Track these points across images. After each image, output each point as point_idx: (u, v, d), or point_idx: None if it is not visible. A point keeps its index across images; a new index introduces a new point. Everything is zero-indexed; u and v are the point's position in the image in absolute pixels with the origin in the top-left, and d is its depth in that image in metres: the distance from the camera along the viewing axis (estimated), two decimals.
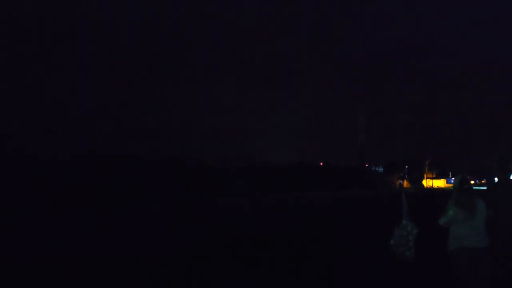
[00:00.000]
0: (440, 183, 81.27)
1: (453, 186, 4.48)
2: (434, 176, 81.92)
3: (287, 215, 18.20)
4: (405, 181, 78.97)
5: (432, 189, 64.63)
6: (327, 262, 7.78)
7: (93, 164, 30.47)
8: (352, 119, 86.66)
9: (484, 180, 79.67)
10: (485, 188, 5.15)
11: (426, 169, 79.74)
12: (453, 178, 4.47)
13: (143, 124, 45.61)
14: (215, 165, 41.63)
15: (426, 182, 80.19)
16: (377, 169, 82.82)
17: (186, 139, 48.67)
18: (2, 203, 21.33)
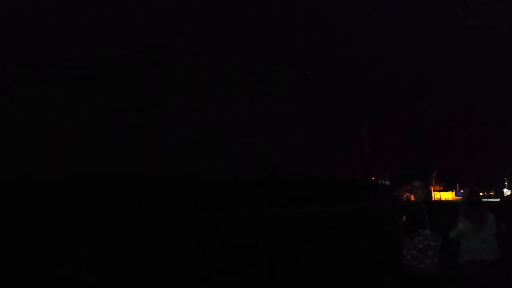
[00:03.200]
0: (447, 195, 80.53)
1: (462, 199, 4.44)
2: (441, 188, 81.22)
3: (293, 229, 18.12)
4: (411, 195, 78.08)
5: (439, 202, 63.98)
6: (332, 277, 7.78)
7: (99, 182, 30.65)
8: (357, 132, 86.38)
9: (493, 192, 78.88)
10: (498, 200, 5.11)
11: (433, 182, 79.09)
12: (462, 191, 4.42)
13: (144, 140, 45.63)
14: (220, 177, 41.59)
15: (434, 195, 79.45)
16: (383, 182, 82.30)
17: (193, 153, 48.73)
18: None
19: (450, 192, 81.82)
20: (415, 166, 79.82)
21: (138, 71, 53.06)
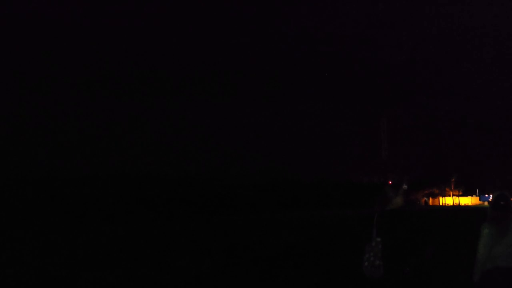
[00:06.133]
0: (467, 200, 78.87)
1: (489, 203, 4.24)
2: (460, 193, 79.67)
3: (308, 232, 17.97)
4: (430, 198, 76.99)
5: (457, 207, 62.75)
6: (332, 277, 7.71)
7: (109, 183, 30.73)
8: (375, 134, 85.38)
9: None
10: None
11: (452, 186, 77.69)
12: (486, 195, 4.27)
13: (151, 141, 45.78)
14: (232, 181, 41.40)
15: (453, 199, 78.07)
16: (401, 185, 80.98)
17: (201, 155, 48.67)
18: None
19: (469, 197, 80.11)
20: (434, 170, 78.50)
21: (141, 70, 53.20)
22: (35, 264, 10.07)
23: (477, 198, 77.58)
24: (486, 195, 69.65)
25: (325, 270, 8.75)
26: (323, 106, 78.96)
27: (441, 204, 76.76)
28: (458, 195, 79.28)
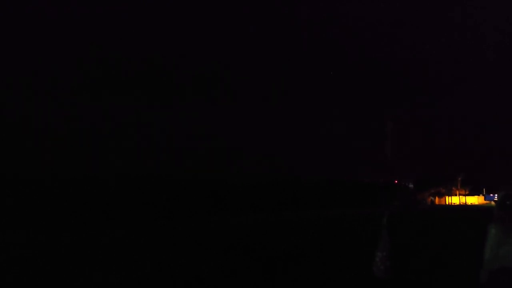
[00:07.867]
0: (474, 199, 78.60)
1: (496, 203, 4.14)
2: (467, 193, 79.43)
3: (310, 233, 17.86)
4: (436, 198, 76.74)
5: (461, 206, 62.41)
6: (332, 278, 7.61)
7: (110, 184, 30.65)
8: (380, 133, 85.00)
9: None
10: None
11: (459, 186, 77.45)
12: (491, 195, 4.11)
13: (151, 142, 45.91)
14: (238, 181, 41.35)
15: (459, 199, 77.82)
16: (407, 185, 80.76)
17: (202, 155, 48.65)
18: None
19: (476, 196, 79.89)
20: (440, 169, 78.23)
21: (138, 71, 53.09)
22: (35, 264, 9.99)
23: (483, 197, 77.34)
24: (491, 195, 69.52)
25: (328, 270, 8.59)
26: (326, 106, 78.88)
27: (447, 203, 76.61)
28: (465, 195, 79.08)
